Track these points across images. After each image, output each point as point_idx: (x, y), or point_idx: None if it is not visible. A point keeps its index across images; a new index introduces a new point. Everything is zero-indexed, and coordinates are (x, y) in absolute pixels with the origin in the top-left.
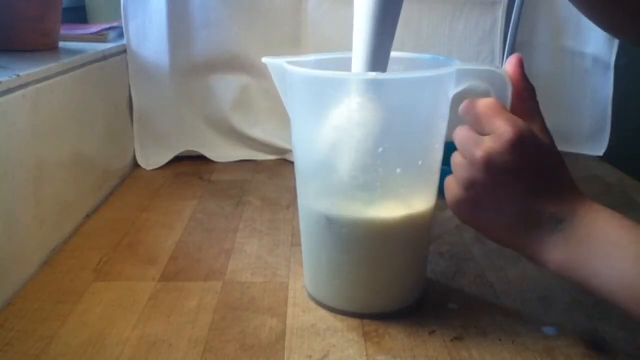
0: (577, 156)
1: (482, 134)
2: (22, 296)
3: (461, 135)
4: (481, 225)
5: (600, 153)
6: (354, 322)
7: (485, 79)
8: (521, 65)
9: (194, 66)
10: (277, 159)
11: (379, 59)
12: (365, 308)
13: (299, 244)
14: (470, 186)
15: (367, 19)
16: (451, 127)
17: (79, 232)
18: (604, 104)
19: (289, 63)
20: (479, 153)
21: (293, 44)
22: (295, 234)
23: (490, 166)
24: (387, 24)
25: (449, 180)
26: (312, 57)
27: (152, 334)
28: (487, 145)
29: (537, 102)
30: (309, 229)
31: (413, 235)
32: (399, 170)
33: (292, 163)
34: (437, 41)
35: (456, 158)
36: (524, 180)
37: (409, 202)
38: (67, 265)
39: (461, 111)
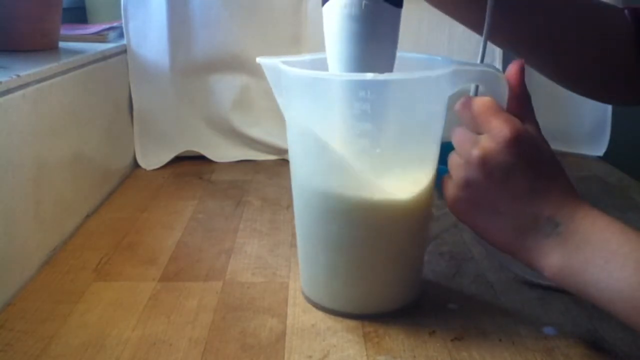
0: (577, 156)
1: (478, 132)
2: (22, 296)
3: (458, 135)
4: (477, 225)
5: (600, 153)
6: (354, 322)
7: (481, 78)
8: (522, 71)
9: (194, 66)
10: (277, 159)
11: (362, 60)
12: (363, 309)
13: None
14: (466, 185)
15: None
16: (449, 127)
17: (79, 232)
18: (604, 104)
19: (284, 63)
20: (475, 152)
21: (293, 44)
22: (295, 234)
23: (486, 165)
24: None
25: (446, 180)
26: (307, 57)
27: (152, 334)
28: (483, 144)
29: (532, 109)
30: (305, 231)
31: (409, 234)
32: (396, 170)
33: None
34: (437, 41)
35: (453, 158)
36: (520, 181)
37: (405, 202)
38: (67, 265)
39: (457, 109)
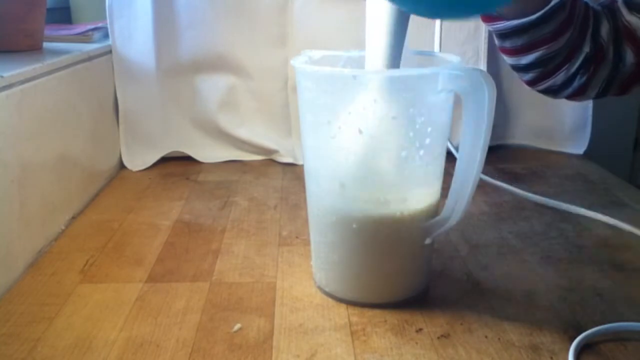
0: (560, 154)
1: None
2: (8, 299)
3: None
4: None
5: (581, 151)
6: (341, 321)
7: (464, 79)
8: None
9: (179, 66)
10: (264, 159)
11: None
12: (357, 296)
13: (286, 244)
14: None
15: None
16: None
17: (65, 234)
18: (585, 103)
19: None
20: None
21: (279, 44)
22: (282, 233)
23: None
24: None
25: None
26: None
27: (139, 335)
28: None
29: None
30: (314, 220)
31: (409, 232)
32: (387, 166)
33: (279, 163)
34: (422, 41)
35: None
36: None
37: (405, 199)
38: (53, 267)
39: None
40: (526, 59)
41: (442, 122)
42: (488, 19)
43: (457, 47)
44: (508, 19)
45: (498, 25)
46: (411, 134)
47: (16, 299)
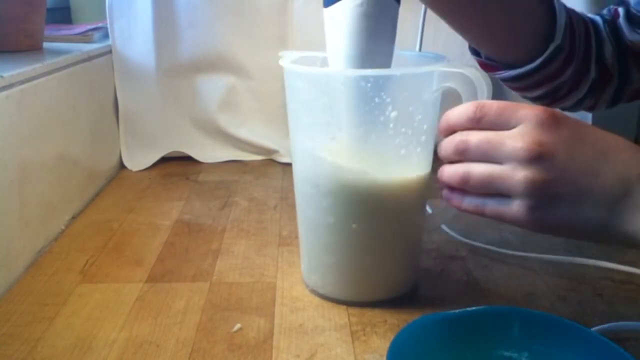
0: None
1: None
2: (7, 299)
3: (475, 139)
4: (564, 224)
5: None
6: (341, 321)
7: (460, 79)
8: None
9: (179, 66)
10: (264, 159)
11: (369, 55)
12: (355, 296)
13: (286, 244)
14: (541, 186)
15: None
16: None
17: (65, 234)
18: None
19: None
20: (531, 145)
21: (279, 44)
22: (282, 233)
23: (545, 148)
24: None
25: (501, 208)
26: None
27: (139, 335)
28: (529, 132)
29: None
30: (303, 217)
31: (401, 223)
32: (395, 159)
33: (279, 163)
34: (423, 41)
35: (485, 169)
36: (585, 148)
37: (404, 197)
38: (53, 267)
39: (473, 114)
40: (532, 94)
41: (434, 119)
42: (488, 68)
43: (458, 47)
44: (507, 68)
45: (500, 75)
46: (410, 132)
47: (16, 299)
